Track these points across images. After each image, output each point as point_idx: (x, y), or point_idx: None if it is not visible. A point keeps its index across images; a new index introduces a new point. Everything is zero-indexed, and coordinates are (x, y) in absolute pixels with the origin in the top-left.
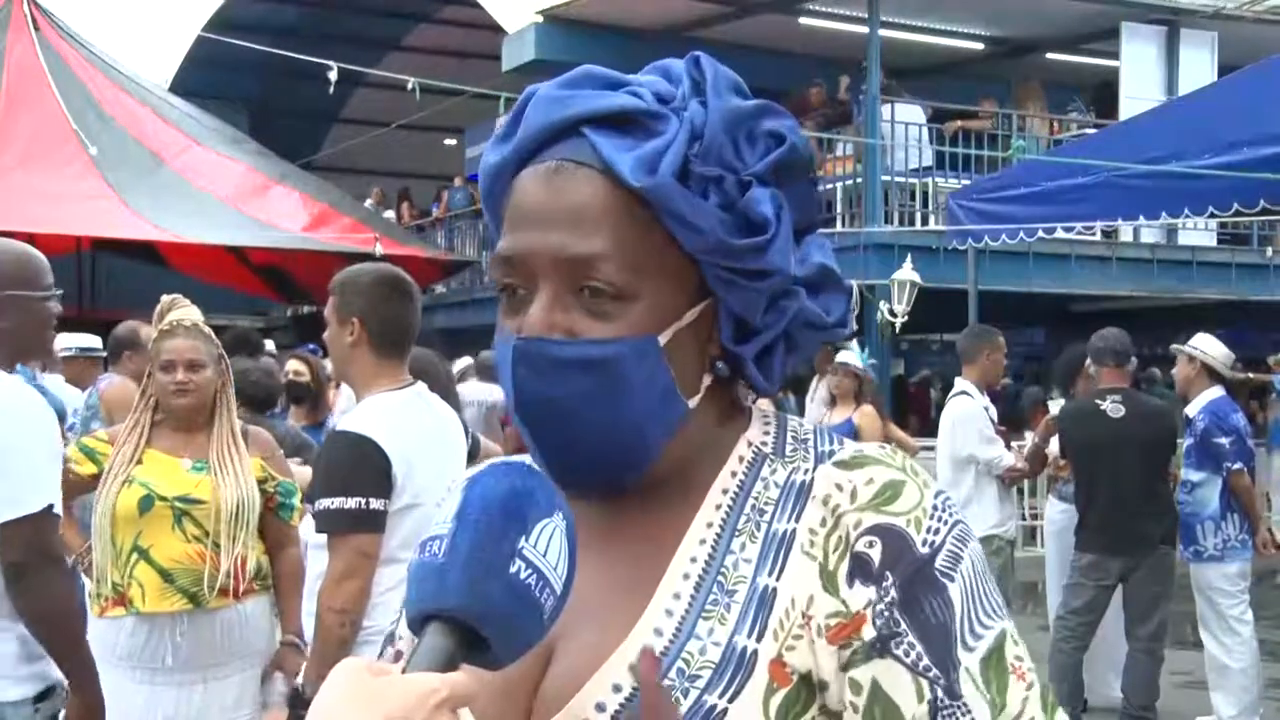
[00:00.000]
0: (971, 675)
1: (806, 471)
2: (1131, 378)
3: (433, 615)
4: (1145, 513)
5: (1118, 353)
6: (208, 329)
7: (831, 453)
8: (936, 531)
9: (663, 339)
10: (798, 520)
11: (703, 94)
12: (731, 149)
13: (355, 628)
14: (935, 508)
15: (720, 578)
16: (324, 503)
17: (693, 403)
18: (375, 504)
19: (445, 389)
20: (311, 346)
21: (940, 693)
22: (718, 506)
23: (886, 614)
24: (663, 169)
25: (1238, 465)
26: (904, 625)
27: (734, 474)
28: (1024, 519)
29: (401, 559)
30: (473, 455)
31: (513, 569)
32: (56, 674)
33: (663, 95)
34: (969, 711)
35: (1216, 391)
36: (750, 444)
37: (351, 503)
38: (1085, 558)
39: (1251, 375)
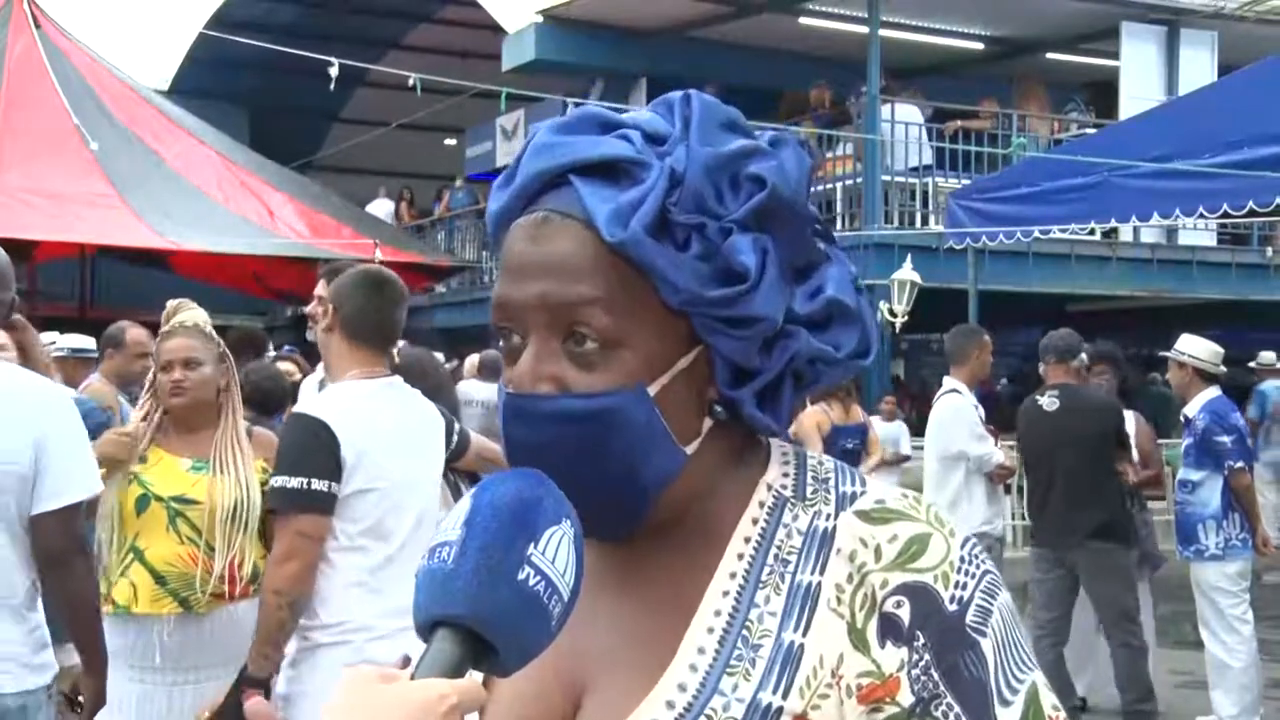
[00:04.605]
0: None
1: (828, 517)
2: (1080, 375)
3: (441, 621)
4: (1080, 505)
5: (1059, 350)
6: (209, 329)
7: (853, 496)
8: (964, 586)
9: (654, 389)
10: (822, 573)
11: (689, 136)
12: (713, 194)
13: (295, 610)
14: (963, 559)
15: (745, 631)
16: (274, 480)
17: (690, 449)
18: (318, 485)
19: (439, 387)
20: (289, 347)
21: None
22: (740, 556)
23: (924, 678)
24: (634, 223)
25: (1239, 464)
26: (942, 687)
27: (755, 521)
28: (1022, 518)
29: (364, 547)
30: (461, 451)
31: (521, 576)
32: (55, 660)
33: (657, 134)
34: None
35: (1213, 391)
36: (770, 487)
37: (294, 482)
38: (1036, 551)
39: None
